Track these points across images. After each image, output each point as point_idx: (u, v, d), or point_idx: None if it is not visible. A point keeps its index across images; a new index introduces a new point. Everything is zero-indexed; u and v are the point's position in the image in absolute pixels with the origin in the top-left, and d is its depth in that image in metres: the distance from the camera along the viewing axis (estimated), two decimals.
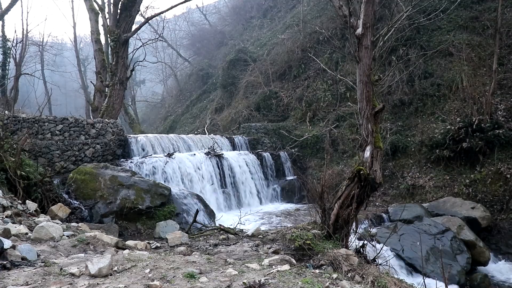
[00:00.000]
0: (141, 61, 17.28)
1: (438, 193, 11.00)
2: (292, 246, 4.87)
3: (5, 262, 3.13)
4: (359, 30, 5.45)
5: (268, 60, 20.41)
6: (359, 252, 5.44)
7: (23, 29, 26.20)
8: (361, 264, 4.59)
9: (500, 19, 11.64)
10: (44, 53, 32.67)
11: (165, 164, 10.11)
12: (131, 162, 9.92)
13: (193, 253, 4.44)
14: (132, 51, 15.74)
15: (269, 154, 13.57)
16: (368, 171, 5.22)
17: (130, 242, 4.83)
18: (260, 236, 5.64)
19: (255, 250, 4.83)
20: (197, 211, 7.03)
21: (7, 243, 3.36)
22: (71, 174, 8.00)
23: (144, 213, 7.55)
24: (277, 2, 29.33)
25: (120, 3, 14.09)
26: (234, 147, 14.00)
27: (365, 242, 5.80)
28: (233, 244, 5.27)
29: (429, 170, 11.73)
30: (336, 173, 12.54)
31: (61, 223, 5.13)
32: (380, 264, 5.57)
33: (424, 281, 4.55)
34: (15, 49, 18.73)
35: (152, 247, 5.06)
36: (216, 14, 38.56)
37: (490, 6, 14.21)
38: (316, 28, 17.54)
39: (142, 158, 10.35)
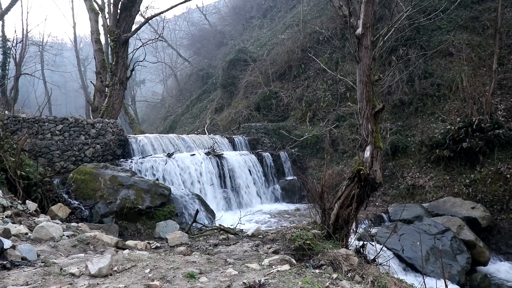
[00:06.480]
0: (141, 61, 17.23)
1: (438, 193, 11.00)
2: (292, 246, 4.87)
3: (5, 262, 3.13)
4: (359, 30, 5.45)
5: (268, 60, 20.40)
6: (359, 252, 5.43)
7: (23, 29, 26.31)
8: (361, 264, 4.58)
9: (500, 19, 11.64)
10: (44, 53, 32.75)
11: (165, 164, 10.11)
12: (131, 162, 9.92)
13: (193, 253, 4.44)
14: (132, 51, 15.72)
15: (269, 154, 13.56)
16: (368, 171, 5.22)
17: (130, 242, 4.83)
18: (260, 236, 5.63)
19: (255, 250, 4.82)
20: (197, 211, 7.03)
21: (7, 243, 3.36)
22: (71, 174, 8.00)
23: (144, 213, 7.55)
24: (277, 2, 29.35)
25: (120, 3, 14.09)
26: (234, 147, 13.99)
27: (365, 242, 5.79)
28: (233, 244, 5.27)
29: (429, 170, 11.73)
30: (336, 173, 12.55)
31: (61, 223, 5.12)
32: (380, 264, 5.57)
33: (424, 281, 4.55)
34: (15, 49, 18.78)
35: (152, 247, 5.05)
36: (216, 14, 38.59)
37: (490, 6, 14.22)
38: (316, 28, 17.56)
39: (142, 158, 10.35)
